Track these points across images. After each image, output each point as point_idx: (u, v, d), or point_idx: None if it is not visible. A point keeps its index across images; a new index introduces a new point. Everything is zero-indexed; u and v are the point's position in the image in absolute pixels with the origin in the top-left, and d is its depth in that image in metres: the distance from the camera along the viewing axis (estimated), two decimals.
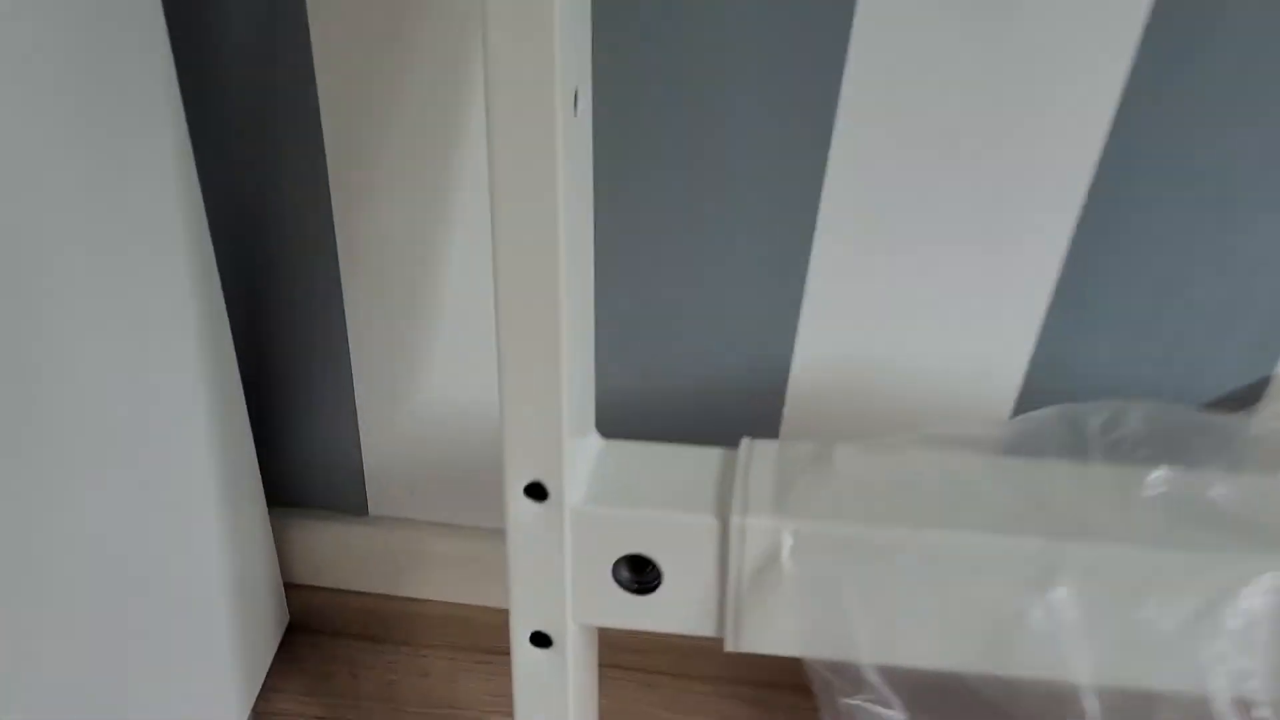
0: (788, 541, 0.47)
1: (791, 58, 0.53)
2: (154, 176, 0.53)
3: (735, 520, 0.48)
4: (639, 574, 0.51)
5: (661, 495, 0.50)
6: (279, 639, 0.75)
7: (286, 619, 0.76)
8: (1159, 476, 0.48)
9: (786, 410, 0.66)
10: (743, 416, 0.65)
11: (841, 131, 0.55)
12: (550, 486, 0.48)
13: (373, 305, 0.65)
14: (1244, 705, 0.44)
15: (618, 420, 0.65)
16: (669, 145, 0.57)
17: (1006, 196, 0.56)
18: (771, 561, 0.48)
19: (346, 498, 0.74)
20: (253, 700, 0.70)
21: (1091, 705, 0.45)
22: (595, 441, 0.53)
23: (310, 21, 0.56)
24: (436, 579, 0.76)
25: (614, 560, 0.50)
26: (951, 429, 0.52)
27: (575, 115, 0.44)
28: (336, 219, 0.62)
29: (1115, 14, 0.50)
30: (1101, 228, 0.56)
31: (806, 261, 0.59)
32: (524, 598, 0.51)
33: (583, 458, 0.51)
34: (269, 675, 0.73)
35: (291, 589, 0.77)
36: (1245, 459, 0.48)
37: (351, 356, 0.67)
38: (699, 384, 0.65)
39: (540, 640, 0.52)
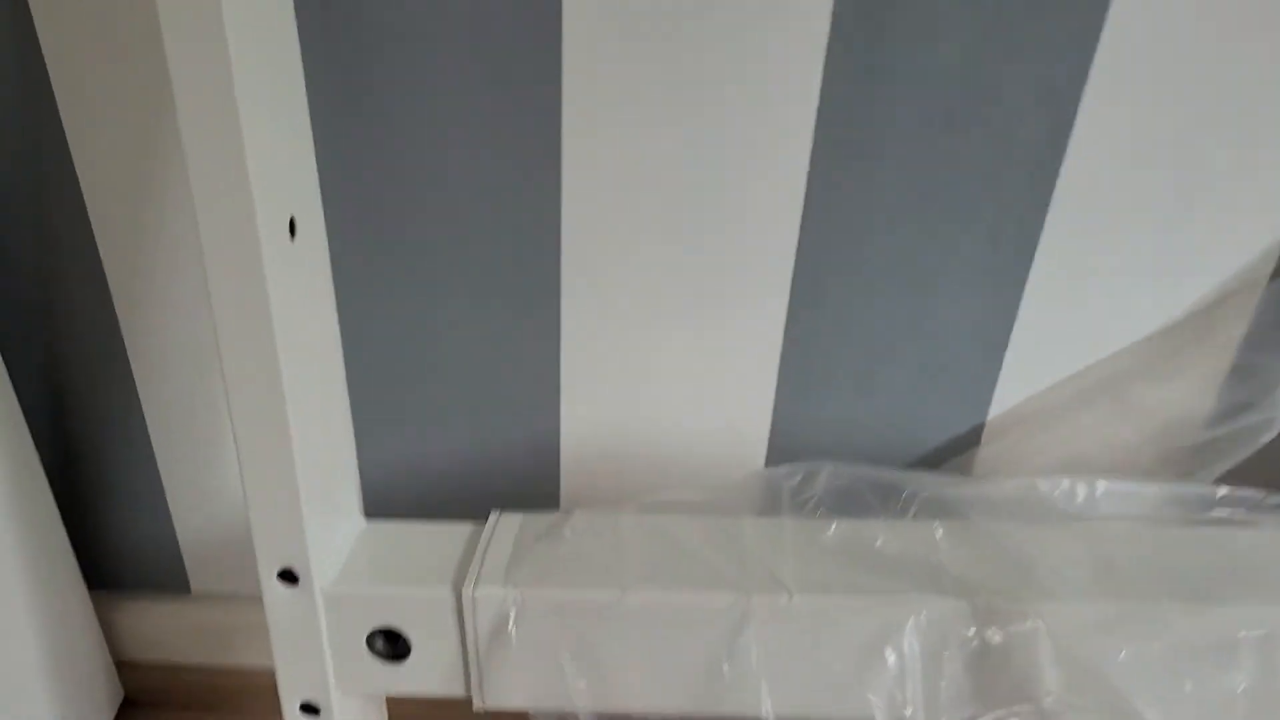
0: (512, 610, 0.53)
1: (512, 146, 0.60)
2: None
3: (468, 592, 0.53)
4: (393, 643, 0.56)
5: (408, 571, 0.56)
6: (113, 715, 0.79)
7: (121, 695, 0.80)
8: (834, 530, 0.54)
9: (563, 479, 0.71)
10: (524, 487, 0.71)
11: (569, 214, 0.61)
12: (299, 571, 0.53)
13: (166, 390, 0.70)
14: None
15: (401, 500, 0.70)
16: (409, 230, 0.63)
17: (723, 278, 0.62)
18: (501, 627, 0.53)
19: (168, 577, 0.78)
20: None
21: None
22: (355, 523, 0.59)
23: (72, 149, 0.61)
24: (262, 648, 0.80)
25: (367, 633, 0.55)
26: (670, 495, 0.59)
27: (293, 241, 0.50)
28: (121, 320, 0.67)
29: (787, 128, 0.57)
30: (810, 305, 0.63)
31: (558, 333, 0.65)
32: (289, 671, 0.56)
33: (338, 540, 0.56)
34: None
35: (125, 666, 0.81)
36: (916, 508, 0.55)
37: (152, 441, 0.71)
38: (479, 461, 0.71)
39: (309, 709, 0.57)
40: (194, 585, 0.79)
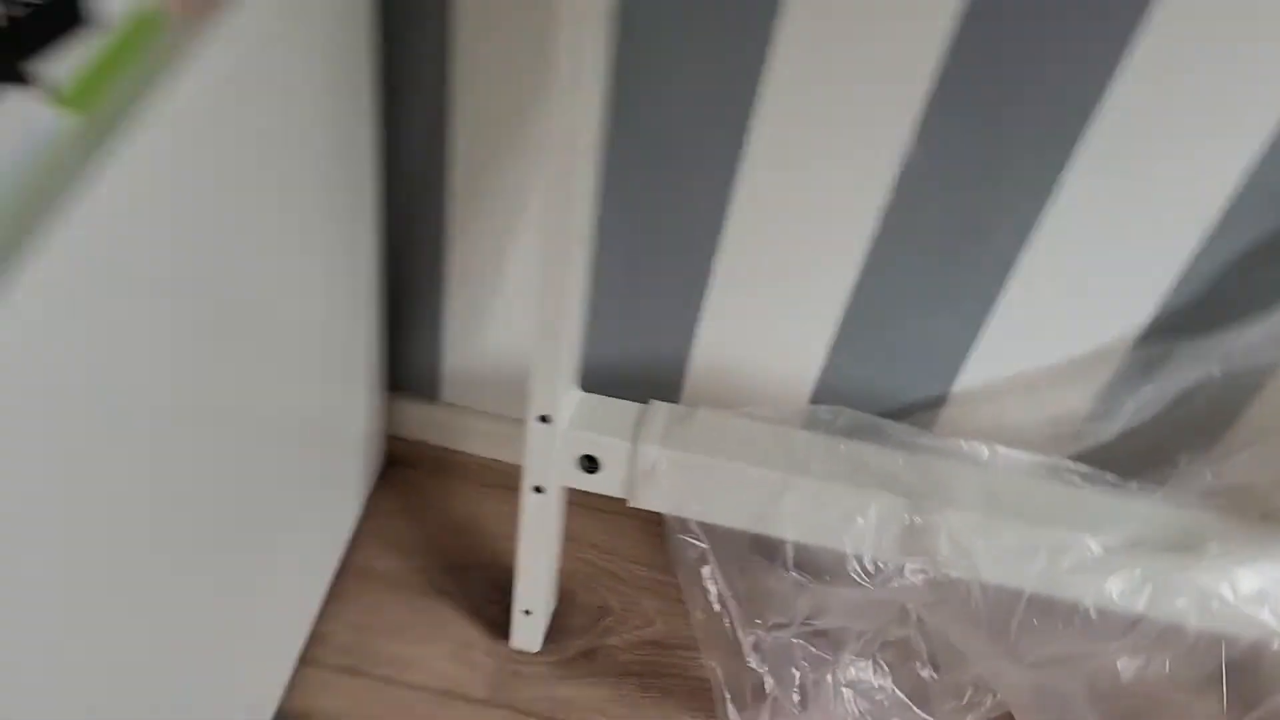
0: (662, 461, 0.98)
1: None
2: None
3: (640, 446, 0.98)
4: (590, 463, 1.01)
5: (604, 426, 1.00)
6: (380, 470, 1.26)
7: (384, 459, 1.27)
8: (843, 448, 0.98)
9: (686, 382, 1.15)
10: (656, 383, 1.16)
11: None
12: (554, 417, 0.98)
13: (477, 231, 1.14)
14: None
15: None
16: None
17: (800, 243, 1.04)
18: (654, 467, 0.98)
19: (425, 386, 1.25)
20: (359, 509, 1.22)
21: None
22: (577, 393, 1.03)
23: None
24: (487, 446, 1.28)
25: (578, 456, 1.01)
26: (760, 411, 1.03)
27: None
28: (452, 181, 1.10)
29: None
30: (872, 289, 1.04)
31: (705, 288, 1.08)
32: (532, 468, 1.02)
33: (571, 402, 1.01)
34: (373, 495, 1.25)
35: (393, 440, 1.29)
36: (891, 444, 0.99)
37: (447, 278, 1.15)
38: (639, 362, 1.15)
39: (539, 490, 1.03)
40: (445, 396, 1.25)
